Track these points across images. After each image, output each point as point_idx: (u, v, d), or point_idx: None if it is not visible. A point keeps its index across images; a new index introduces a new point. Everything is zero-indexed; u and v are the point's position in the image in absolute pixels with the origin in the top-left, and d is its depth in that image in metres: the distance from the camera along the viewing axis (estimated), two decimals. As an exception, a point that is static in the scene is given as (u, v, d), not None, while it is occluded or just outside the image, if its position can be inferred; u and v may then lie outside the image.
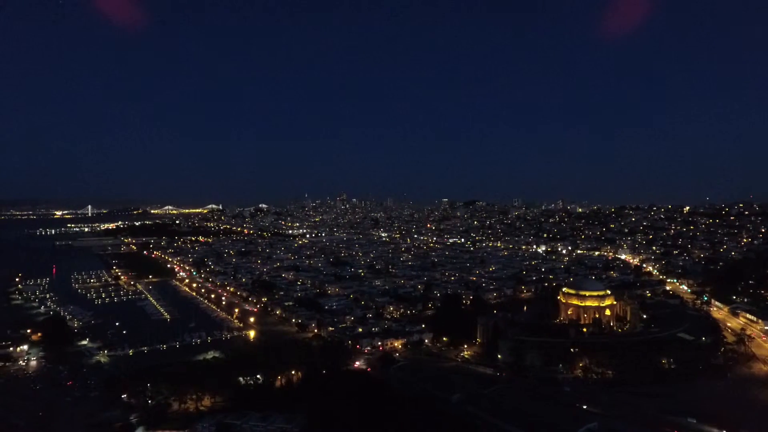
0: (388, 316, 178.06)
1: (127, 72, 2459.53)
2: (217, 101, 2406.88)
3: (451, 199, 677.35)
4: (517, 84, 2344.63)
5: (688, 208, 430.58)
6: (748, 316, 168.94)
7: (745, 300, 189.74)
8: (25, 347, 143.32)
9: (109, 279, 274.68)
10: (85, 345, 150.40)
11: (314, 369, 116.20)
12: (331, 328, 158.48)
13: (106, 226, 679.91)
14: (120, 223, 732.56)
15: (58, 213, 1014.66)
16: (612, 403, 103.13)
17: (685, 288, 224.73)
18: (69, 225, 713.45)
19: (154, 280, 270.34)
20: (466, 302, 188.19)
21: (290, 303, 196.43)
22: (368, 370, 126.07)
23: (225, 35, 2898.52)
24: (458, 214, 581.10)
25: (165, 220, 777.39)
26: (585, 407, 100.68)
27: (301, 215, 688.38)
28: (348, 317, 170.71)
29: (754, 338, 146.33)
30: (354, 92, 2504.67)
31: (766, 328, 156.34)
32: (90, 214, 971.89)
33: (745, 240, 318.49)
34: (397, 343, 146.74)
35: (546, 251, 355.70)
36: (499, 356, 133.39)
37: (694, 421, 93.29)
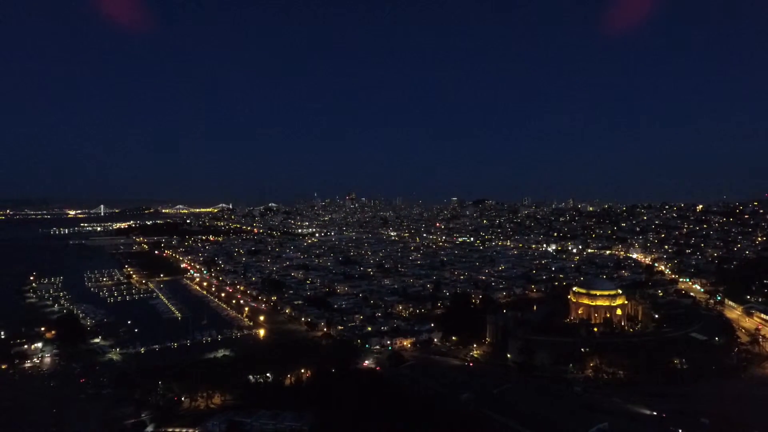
0: (398, 315, 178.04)
1: (139, 73, 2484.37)
2: (227, 102, 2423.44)
3: (460, 198, 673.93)
4: (526, 82, 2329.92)
5: (701, 206, 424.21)
6: (763, 315, 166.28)
7: (760, 300, 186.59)
8: (39, 345, 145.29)
9: (121, 278, 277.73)
10: (97, 343, 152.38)
11: (323, 368, 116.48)
12: (340, 327, 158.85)
13: (119, 225, 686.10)
14: (132, 222, 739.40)
15: (72, 212, 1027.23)
16: (623, 403, 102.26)
17: (698, 287, 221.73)
18: (82, 224, 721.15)
19: (165, 278, 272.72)
20: (476, 301, 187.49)
21: (300, 302, 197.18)
22: (377, 368, 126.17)
23: (232, 37, 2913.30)
24: (467, 213, 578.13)
25: (176, 219, 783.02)
26: (596, 408, 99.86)
27: (310, 214, 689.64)
28: (357, 316, 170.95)
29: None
30: (363, 92, 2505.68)
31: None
32: (102, 214, 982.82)
33: (759, 239, 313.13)
34: (407, 342, 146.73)
35: (556, 250, 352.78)
36: (508, 355, 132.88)
37: (707, 422, 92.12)
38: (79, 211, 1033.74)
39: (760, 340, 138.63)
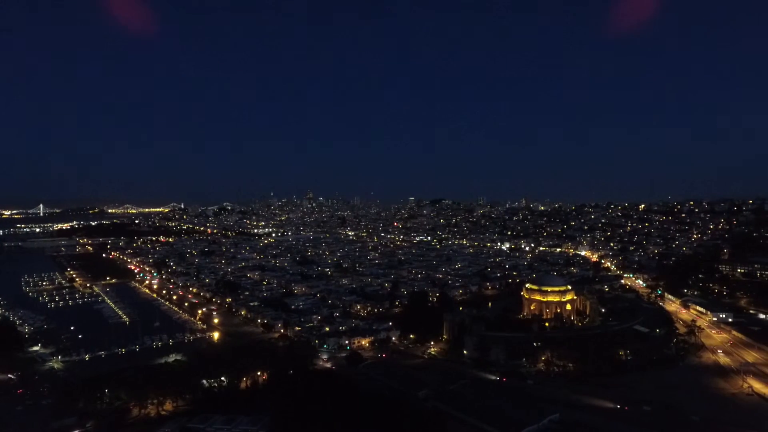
0: (356, 315, 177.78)
1: (80, 68, 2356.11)
2: (180, 100, 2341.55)
3: (417, 198, 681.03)
4: (480, 85, 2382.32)
5: (643, 206, 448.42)
6: (698, 308, 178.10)
7: (695, 293, 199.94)
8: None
9: (63, 281, 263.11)
10: (36, 351, 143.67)
11: (280, 370, 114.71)
12: (297, 328, 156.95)
13: (60, 226, 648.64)
14: (75, 222, 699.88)
15: (6, 213, 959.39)
16: (573, 394, 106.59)
17: (641, 282, 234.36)
18: (18, 225, 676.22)
19: (112, 281, 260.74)
20: (433, 299, 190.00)
21: (256, 303, 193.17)
22: (335, 369, 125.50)
23: (187, 37, 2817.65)
24: (425, 212, 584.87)
25: (124, 219, 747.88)
26: (547, 400, 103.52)
27: (266, 214, 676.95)
28: (315, 316, 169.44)
29: (703, 329, 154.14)
30: (320, 92, 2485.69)
31: (714, 319, 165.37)
32: (42, 214, 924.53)
33: (695, 236, 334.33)
34: (365, 342, 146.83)
35: (510, 248, 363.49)
36: (465, 352, 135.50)
37: (649, 410, 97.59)
38: (15, 211, 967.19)
39: (696, 331, 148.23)
